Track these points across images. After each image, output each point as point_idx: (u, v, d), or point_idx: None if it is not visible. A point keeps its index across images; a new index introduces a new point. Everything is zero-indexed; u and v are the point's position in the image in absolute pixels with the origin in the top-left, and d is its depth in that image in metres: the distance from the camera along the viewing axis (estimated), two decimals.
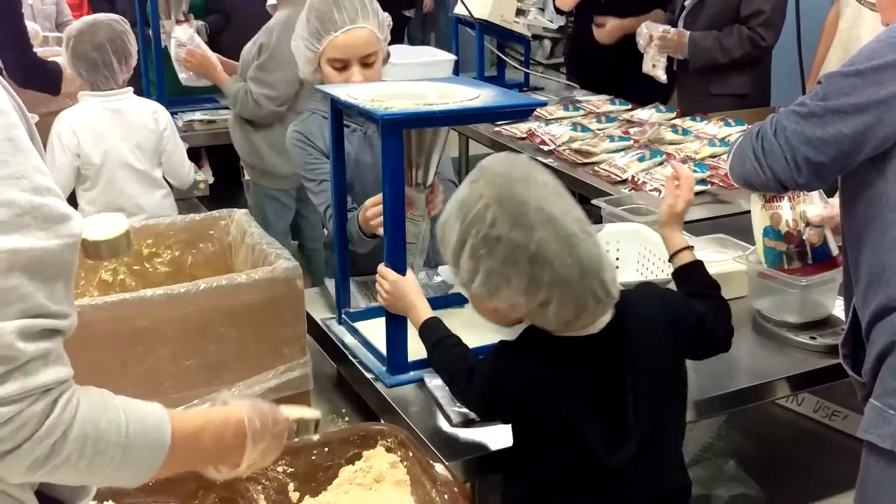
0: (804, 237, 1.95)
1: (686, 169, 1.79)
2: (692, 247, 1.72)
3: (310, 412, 1.44)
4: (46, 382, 0.94)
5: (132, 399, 1.06)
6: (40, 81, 3.26)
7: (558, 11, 4.64)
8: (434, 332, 1.60)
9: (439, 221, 1.44)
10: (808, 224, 1.96)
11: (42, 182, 0.94)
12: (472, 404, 1.56)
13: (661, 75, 3.75)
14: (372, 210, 1.96)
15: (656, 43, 3.66)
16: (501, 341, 1.48)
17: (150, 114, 3.09)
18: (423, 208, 1.93)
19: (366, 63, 2.12)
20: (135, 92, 3.08)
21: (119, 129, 2.97)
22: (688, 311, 1.55)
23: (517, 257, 1.32)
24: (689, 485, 1.58)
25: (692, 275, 1.68)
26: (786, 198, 1.95)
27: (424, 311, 1.64)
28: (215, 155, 3.98)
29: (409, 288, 1.67)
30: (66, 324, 0.96)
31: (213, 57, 3.65)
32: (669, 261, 1.73)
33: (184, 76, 3.75)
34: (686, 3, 3.74)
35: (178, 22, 3.87)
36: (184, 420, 1.12)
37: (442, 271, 2.14)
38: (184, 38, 3.72)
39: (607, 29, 4.06)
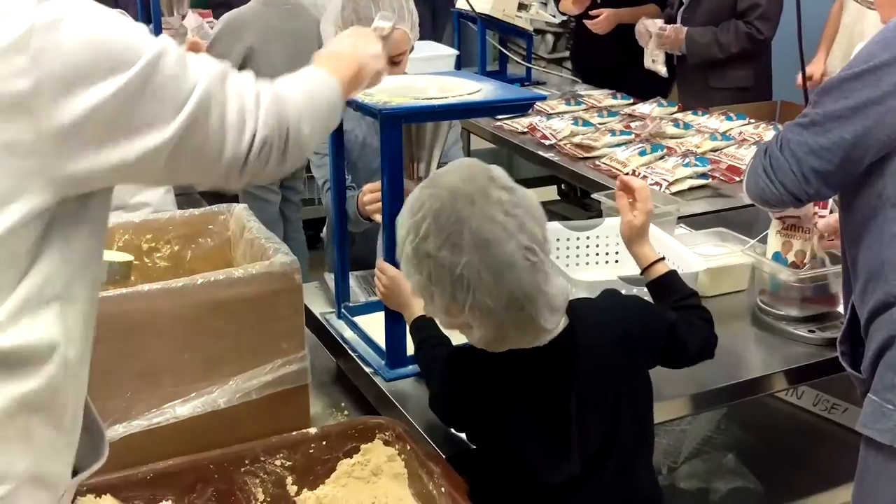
0: (808, 273, 1.96)
1: (637, 180, 1.72)
2: (663, 258, 1.65)
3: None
4: (249, 82, 1.12)
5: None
6: None
7: (561, 12, 4.66)
8: (421, 331, 1.60)
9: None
10: (814, 257, 1.97)
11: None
12: (431, 409, 1.55)
13: (662, 69, 3.78)
14: (369, 196, 1.98)
15: (653, 39, 3.69)
16: (454, 349, 1.47)
17: None
18: None
19: (393, 62, 2.14)
20: None
21: None
22: (654, 321, 1.50)
23: (441, 276, 1.28)
24: (658, 498, 1.54)
25: (665, 288, 1.62)
26: (800, 230, 1.97)
27: (418, 309, 1.62)
28: None
29: (406, 285, 1.67)
30: None
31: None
32: (641, 275, 1.66)
33: None
34: None
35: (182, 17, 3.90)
36: (340, 72, 1.30)
37: None
38: (193, 24, 3.75)
39: (601, 19, 4.09)
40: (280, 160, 1.12)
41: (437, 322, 1.41)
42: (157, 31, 3.87)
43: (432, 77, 1.89)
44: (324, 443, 1.57)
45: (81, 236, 1.04)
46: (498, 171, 1.34)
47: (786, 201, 1.66)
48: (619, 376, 1.44)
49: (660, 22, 3.77)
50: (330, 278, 2.20)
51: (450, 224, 1.27)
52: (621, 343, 1.45)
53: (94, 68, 0.96)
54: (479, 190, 1.29)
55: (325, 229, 4.31)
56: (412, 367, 1.77)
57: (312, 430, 1.59)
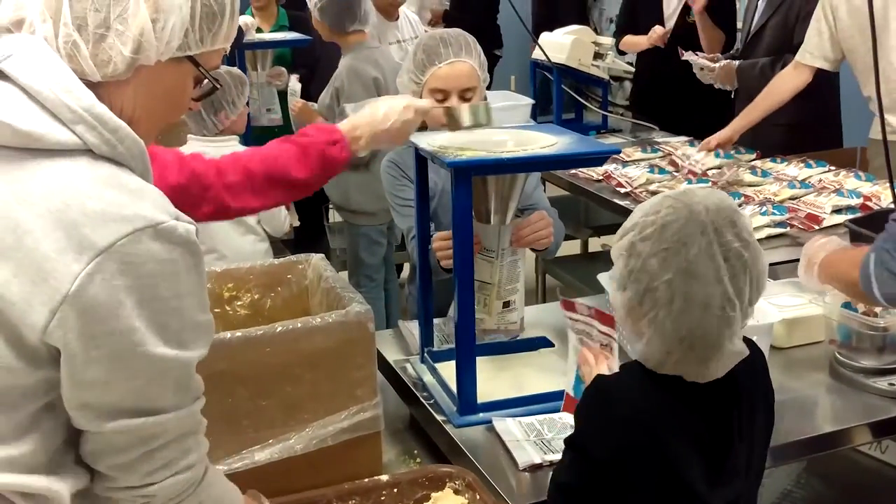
0: (880, 322, 1.92)
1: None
2: None
3: None
4: (207, 447, 1.21)
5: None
6: None
7: (620, 52, 4.70)
8: None
9: None
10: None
11: (208, 300, 1.16)
12: (565, 454, 1.46)
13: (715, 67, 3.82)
14: (438, 243, 2.02)
15: (707, 73, 3.77)
16: (599, 375, 1.48)
17: None
18: (495, 245, 1.96)
19: (464, 97, 2.22)
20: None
21: None
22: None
23: (640, 279, 1.32)
24: None
25: None
26: None
27: None
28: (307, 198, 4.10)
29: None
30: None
31: (312, 106, 3.81)
32: None
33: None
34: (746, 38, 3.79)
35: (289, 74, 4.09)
36: None
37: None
38: (296, 88, 3.93)
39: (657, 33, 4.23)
40: None
41: (616, 316, 1.41)
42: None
43: (512, 130, 1.92)
44: (395, 490, 1.59)
45: None
46: (743, 221, 1.34)
47: None
48: (762, 415, 1.47)
49: (704, 61, 3.79)
50: (405, 326, 2.24)
51: (673, 240, 1.30)
52: (768, 388, 1.49)
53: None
54: (717, 226, 1.31)
55: (402, 275, 4.38)
56: (483, 415, 1.79)
57: (384, 478, 1.62)
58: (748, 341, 1.49)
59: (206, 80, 1.21)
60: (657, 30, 4.30)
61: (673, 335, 1.31)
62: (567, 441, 1.46)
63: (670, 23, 4.36)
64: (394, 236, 3.83)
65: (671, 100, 4.22)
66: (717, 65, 3.74)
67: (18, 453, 1.08)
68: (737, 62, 3.70)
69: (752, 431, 1.43)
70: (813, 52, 3.33)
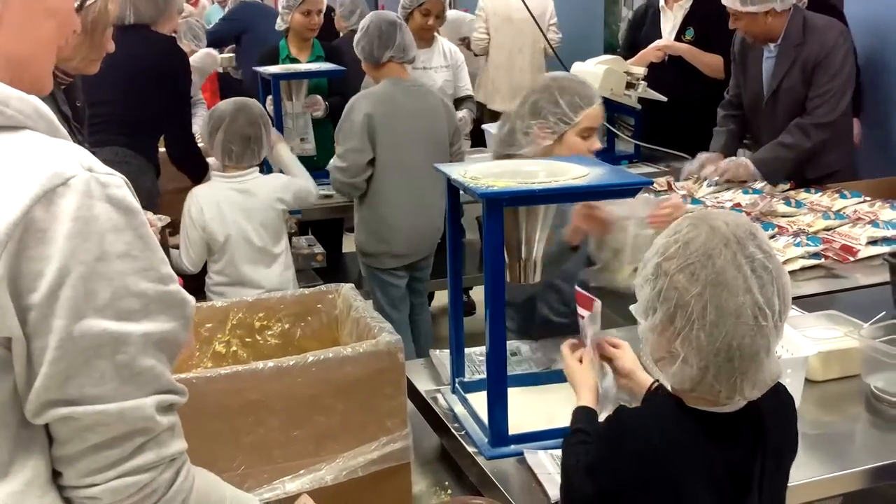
0: None
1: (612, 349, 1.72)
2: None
3: None
4: (174, 452, 1.04)
5: (238, 491, 1.19)
6: (190, 168, 3.55)
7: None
8: (578, 421, 1.58)
9: None
10: None
11: (166, 272, 1.04)
12: (577, 477, 1.46)
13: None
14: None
15: (717, 178, 3.52)
16: (621, 406, 1.47)
17: (278, 191, 3.22)
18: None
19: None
20: (259, 168, 3.23)
21: (244, 209, 3.10)
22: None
23: (669, 296, 1.31)
24: None
25: None
26: None
27: (583, 399, 1.64)
28: (326, 227, 4.11)
29: (581, 376, 1.68)
30: (184, 399, 1.06)
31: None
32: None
33: None
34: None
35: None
36: None
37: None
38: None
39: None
40: None
41: (646, 345, 1.39)
42: (278, 115, 4.06)
43: (543, 161, 1.93)
44: None
45: None
46: (762, 234, 1.35)
47: None
48: (787, 462, 1.45)
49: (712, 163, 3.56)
50: (436, 355, 2.24)
51: (697, 254, 1.31)
52: (794, 432, 1.47)
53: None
54: (739, 238, 1.31)
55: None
56: (514, 447, 1.78)
57: None
58: (780, 387, 1.47)
59: None
60: (656, 44, 4.29)
61: (709, 348, 1.29)
62: (585, 465, 1.45)
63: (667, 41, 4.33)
64: (419, 269, 3.75)
65: (676, 126, 4.22)
66: (723, 164, 3.52)
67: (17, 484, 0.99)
68: (743, 159, 3.52)
69: (773, 482, 1.40)
70: None
